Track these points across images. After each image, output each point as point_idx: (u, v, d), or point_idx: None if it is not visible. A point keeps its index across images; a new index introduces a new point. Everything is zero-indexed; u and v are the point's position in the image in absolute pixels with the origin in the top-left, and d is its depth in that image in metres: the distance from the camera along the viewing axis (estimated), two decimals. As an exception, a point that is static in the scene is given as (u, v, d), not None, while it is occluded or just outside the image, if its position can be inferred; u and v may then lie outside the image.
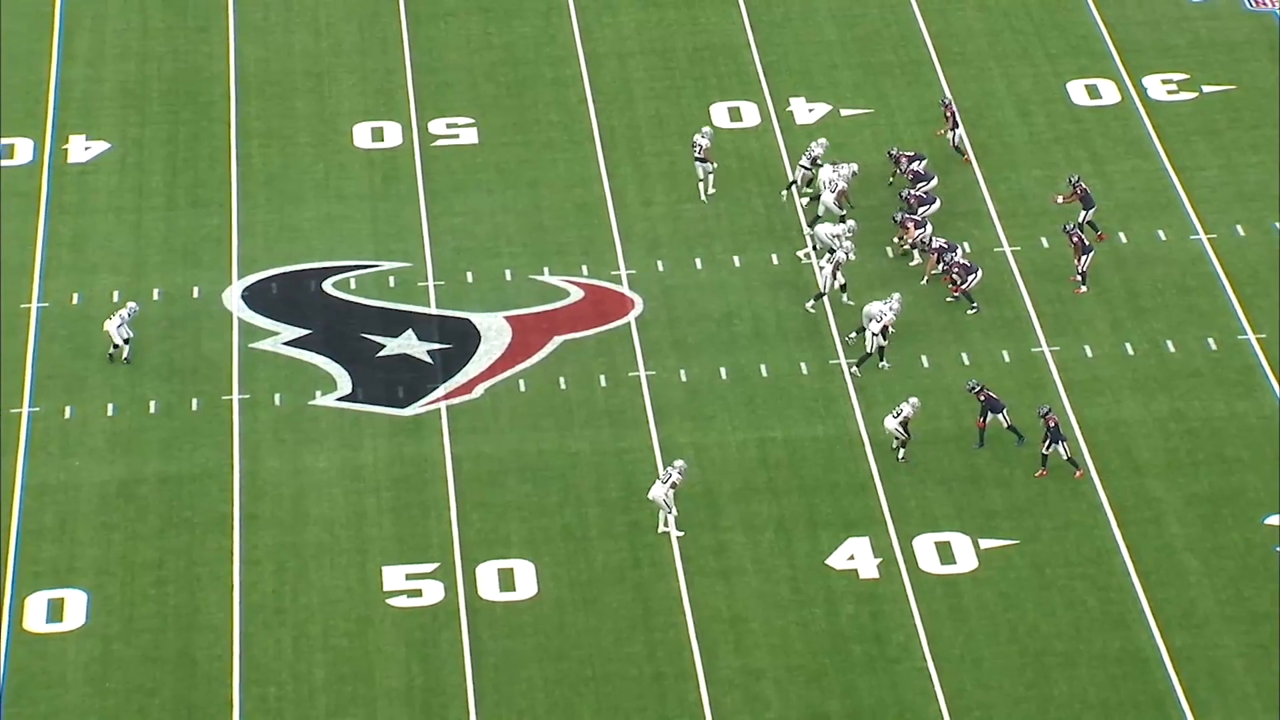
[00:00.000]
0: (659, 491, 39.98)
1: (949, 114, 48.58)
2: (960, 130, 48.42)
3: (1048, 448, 40.72)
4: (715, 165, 47.81)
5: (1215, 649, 37.95)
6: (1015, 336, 44.39)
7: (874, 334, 43.03)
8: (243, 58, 51.98)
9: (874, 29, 52.86)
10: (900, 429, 40.99)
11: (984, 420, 41.35)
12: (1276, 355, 43.66)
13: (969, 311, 44.52)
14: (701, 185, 47.71)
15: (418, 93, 50.97)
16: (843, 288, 44.56)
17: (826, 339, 44.34)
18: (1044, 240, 46.22)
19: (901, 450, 41.14)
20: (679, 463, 40.18)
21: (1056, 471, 41.07)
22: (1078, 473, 40.98)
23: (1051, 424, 40.59)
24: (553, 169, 48.83)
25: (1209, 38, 52.10)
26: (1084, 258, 44.89)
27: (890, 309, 43.02)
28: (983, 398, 41.24)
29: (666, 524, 40.15)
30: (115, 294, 45.37)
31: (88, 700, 37.36)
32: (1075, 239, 44.97)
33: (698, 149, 47.62)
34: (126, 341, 43.29)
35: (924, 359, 43.83)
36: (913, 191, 46.37)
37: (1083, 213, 45.95)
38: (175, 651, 38.14)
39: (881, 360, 43.21)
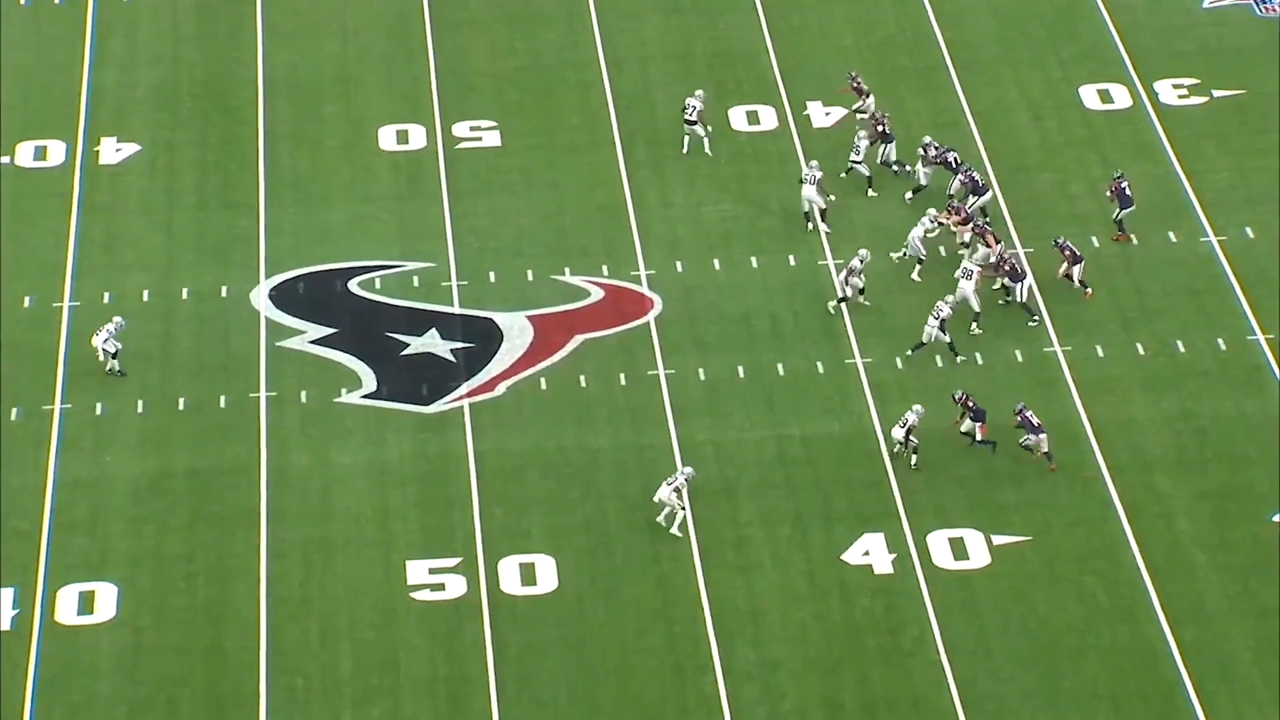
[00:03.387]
0: (665, 493, 40.14)
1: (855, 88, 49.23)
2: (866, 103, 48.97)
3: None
4: (711, 129, 48.60)
5: (1223, 642, 38.12)
6: (1028, 337, 44.48)
7: (932, 326, 43.45)
8: (271, 63, 52.19)
9: (889, 36, 52.97)
10: (905, 436, 40.95)
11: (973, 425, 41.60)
12: (1284, 355, 43.90)
13: (1029, 323, 44.50)
14: (686, 140, 48.71)
15: (442, 97, 51.17)
16: (860, 291, 44.69)
17: (842, 338, 44.46)
18: (1056, 242, 46.17)
19: (914, 457, 41.12)
20: (688, 470, 40.33)
21: (1065, 468, 41.38)
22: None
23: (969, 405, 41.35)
24: (574, 171, 48.99)
25: (1219, 44, 52.16)
26: (1077, 267, 44.95)
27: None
28: (970, 405, 41.37)
29: (674, 525, 40.22)
30: (145, 293, 45.63)
31: (119, 689, 37.60)
32: (1066, 251, 45.06)
33: (690, 110, 48.40)
34: (115, 355, 43.19)
35: (938, 359, 43.92)
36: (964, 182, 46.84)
37: (1118, 210, 46.06)
38: (204, 643, 38.36)
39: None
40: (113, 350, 43.20)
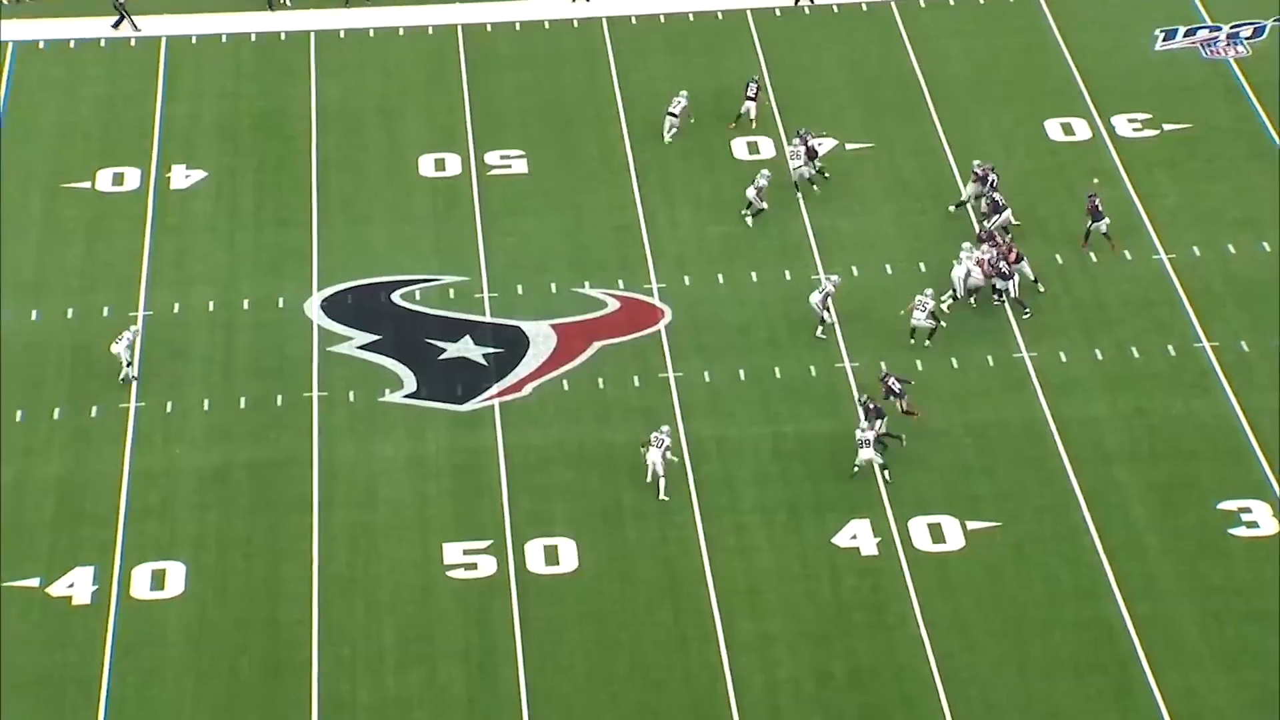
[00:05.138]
0: (656, 456, 39.86)
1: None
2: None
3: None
4: (681, 122, 49.45)
5: (1172, 617, 37.86)
6: (998, 343, 44.13)
7: (920, 318, 43.26)
8: (322, 97, 51.91)
9: (874, 74, 52.61)
10: (876, 452, 40.36)
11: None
12: (1228, 360, 43.38)
13: (1024, 315, 44.25)
14: (668, 135, 49.46)
15: (475, 128, 50.91)
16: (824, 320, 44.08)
17: (832, 345, 44.15)
18: (1025, 259, 45.84)
19: (886, 471, 40.63)
20: (665, 427, 40.32)
21: (1031, 460, 41.05)
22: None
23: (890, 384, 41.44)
24: (593, 196, 48.66)
25: (1169, 83, 51.71)
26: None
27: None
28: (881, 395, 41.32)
29: (662, 491, 39.99)
30: (210, 304, 45.35)
31: (186, 658, 37.44)
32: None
33: (676, 105, 49.30)
34: (129, 363, 42.65)
35: (918, 363, 43.64)
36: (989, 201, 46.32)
37: (1089, 223, 45.85)
38: (262, 616, 38.18)
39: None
40: (128, 359, 42.59)
